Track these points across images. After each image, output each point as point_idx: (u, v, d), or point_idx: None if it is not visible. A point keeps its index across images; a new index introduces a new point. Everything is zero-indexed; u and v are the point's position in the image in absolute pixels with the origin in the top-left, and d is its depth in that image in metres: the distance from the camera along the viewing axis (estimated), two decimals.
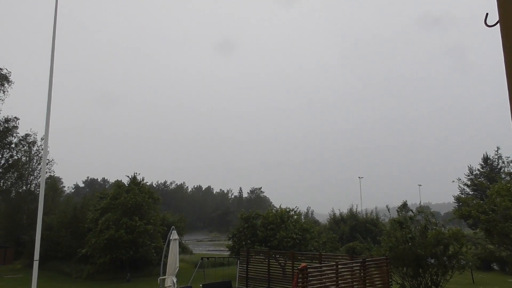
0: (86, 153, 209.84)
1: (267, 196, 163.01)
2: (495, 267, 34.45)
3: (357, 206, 54.93)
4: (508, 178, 34.01)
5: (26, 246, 40.28)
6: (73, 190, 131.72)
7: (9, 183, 47.25)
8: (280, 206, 35.50)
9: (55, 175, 56.21)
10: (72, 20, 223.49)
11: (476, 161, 58.73)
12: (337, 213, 54.41)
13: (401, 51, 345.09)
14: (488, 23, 1.75)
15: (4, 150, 44.80)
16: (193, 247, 61.48)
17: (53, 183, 52.26)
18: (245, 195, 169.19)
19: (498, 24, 1.66)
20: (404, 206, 24.92)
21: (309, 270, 16.51)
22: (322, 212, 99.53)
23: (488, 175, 49.56)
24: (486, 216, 20.27)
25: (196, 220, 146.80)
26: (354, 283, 17.59)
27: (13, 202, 46.89)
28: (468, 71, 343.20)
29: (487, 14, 1.76)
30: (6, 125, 44.12)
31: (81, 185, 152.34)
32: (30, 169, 48.66)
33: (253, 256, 26.33)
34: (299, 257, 24.21)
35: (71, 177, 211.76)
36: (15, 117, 44.74)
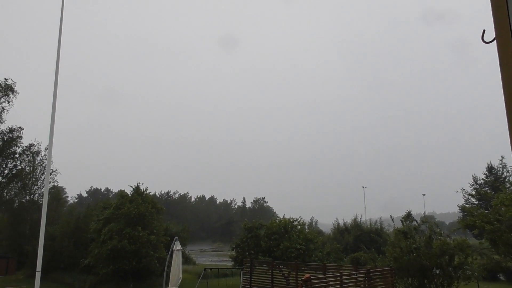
0: (89, 163, 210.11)
1: (271, 206, 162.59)
2: (502, 277, 34.14)
3: (361, 216, 54.55)
4: None
5: (29, 256, 40.19)
6: (76, 200, 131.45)
7: (12, 193, 47.33)
8: (283, 216, 35.44)
9: (59, 185, 56.29)
10: (75, 25, 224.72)
11: (480, 171, 58.35)
12: (341, 223, 54.21)
13: (405, 57, 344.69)
14: (486, 40, 1.76)
15: (8, 160, 44.93)
16: (196, 257, 61.22)
17: (57, 193, 52.28)
18: (248, 205, 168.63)
19: (495, 41, 1.67)
20: (409, 216, 24.85)
21: (313, 280, 16.43)
22: (326, 222, 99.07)
23: (492, 185, 49.31)
24: (491, 226, 20.13)
25: (199, 230, 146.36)
26: None
27: (16, 212, 46.91)
28: (471, 77, 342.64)
29: (484, 30, 1.77)
30: (10, 135, 44.30)
31: (85, 195, 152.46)
32: (34, 179, 48.73)
33: (257, 267, 26.25)
34: (303, 268, 24.08)
35: (74, 187, 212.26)
36: (19, 127, 44.98)
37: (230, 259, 36.14)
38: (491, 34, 1.74)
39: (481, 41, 1.75)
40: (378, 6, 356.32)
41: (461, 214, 48.37)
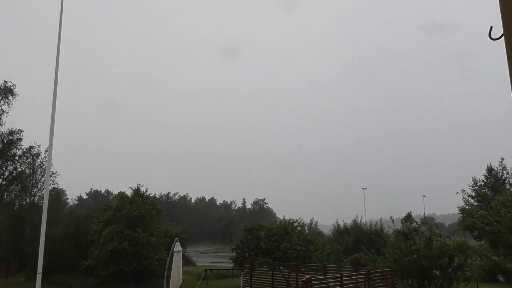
0: (89, 165, 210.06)
1: (271, 207, 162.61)
2: (501, 278, 34.16)
3: (361, 217, 54.53)
4: None
5: (30, 258, 40.15)
6: (76, 202, 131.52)
7: (12, 195, 47.24)
8: (283, 217, 35.42)
9: (59, 187, 56.26)
10: (76, 26, 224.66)
11: (480, 172, 58.39)
12: (341, 224, 54.26)
13: (405, 64, 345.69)
14: (493, 36, 1.77)
15: (8, 163, 44.87)
16: (197, 259, 61.17)
17: (57, 195, 52.23)
18: (248, 206, 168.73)
19: (503, 37, 1.68)
20: (408, 217, 24.87)
21: (313, 282, 16.42)
22: (326, 223, 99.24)
23: (492, 186, 49.36)
24: (491, 228, 20.14)
25: (199, 232, 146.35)
26: None
27: (16, 215, 46.84)
28: (471, 81, 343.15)
29: (491, 27, 1.78)
30: (10, 138, 44.25)
31: (85, 197, 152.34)
32: (34, 181, 48.71)
33: (257, 268, 26.25)
34: (303, 269, 24.09)
35: (74, 189, 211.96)
36: (19, 130, 44.91)
37: (230, 261, 36.10)
38: (498, 31, 1.75)
39: (488, 38, 1.76)
40: (379, 16, 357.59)
41: (461, 215, 48.45)
